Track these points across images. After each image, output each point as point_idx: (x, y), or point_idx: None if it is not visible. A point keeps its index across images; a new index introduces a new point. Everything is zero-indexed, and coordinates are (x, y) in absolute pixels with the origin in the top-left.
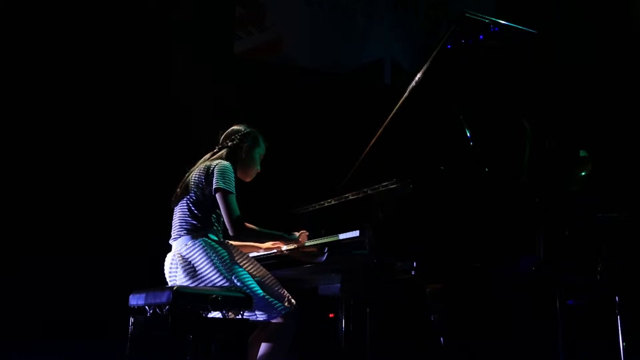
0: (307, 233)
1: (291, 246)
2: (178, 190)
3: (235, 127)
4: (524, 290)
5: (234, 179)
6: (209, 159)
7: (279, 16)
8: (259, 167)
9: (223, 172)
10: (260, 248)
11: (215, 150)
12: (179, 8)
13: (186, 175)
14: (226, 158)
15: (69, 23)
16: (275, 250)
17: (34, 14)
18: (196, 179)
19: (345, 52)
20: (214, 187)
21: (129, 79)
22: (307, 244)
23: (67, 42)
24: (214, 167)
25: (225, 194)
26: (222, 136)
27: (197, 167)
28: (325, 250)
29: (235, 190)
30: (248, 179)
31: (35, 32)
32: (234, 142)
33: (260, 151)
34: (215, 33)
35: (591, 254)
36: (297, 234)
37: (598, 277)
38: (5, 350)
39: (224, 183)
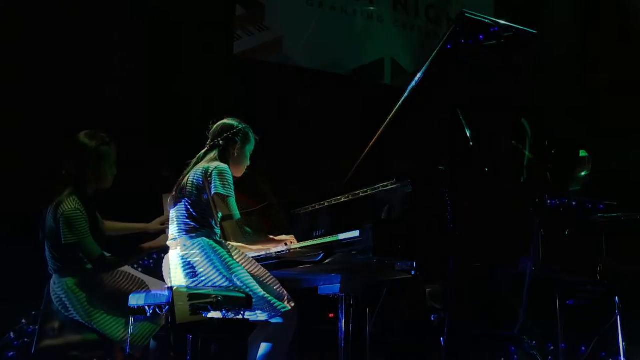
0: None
1: (289, 245)
2: (174, 192)
3: (226, 123)
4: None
5: (232, 182)
6: (203, 158)
7: (279, 16)
8: (248, 162)
9: (222, 176)
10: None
11: (207, 149)
12: (179, 8)
13: (182, 177)
14: (220, 159)
15: (70, 23)
16: (273, 250)
17: (35, 13)
18: (193, 181)
19: (345, 52)
20: (213, 191)
21: (129, 79)
22: (307, 244)
23: (68, 42)
24: (212, 171)
25: (224, 198)
26: (213, 132)
27: (192, 168)
28: (321, 251)
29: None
30: (239, 175)
31: (36, 32)
32: (226, 140)
33: (250, 147)
34: (215, 33)
35: (591, 254)
36: (286, 237)
37: (598, 277)
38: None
39: (223, 187)
